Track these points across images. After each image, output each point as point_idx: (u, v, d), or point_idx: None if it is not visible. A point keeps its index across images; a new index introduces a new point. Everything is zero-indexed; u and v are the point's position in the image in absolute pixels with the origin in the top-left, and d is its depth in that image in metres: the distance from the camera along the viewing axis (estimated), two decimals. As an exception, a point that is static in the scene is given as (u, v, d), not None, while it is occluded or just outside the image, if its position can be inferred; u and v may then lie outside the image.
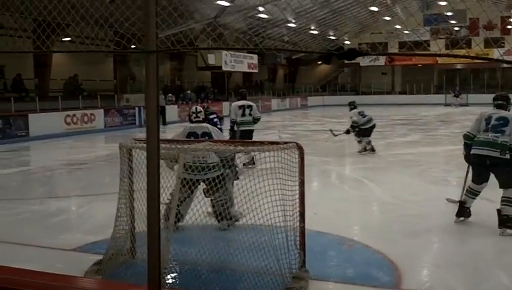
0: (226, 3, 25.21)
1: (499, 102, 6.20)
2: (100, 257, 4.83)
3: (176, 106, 25.91)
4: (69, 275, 2.42)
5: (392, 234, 6.04)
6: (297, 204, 4.53)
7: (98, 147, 17.07)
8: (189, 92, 29.39)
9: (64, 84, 24.34)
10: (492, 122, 6.00)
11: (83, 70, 25.16)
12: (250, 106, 10.98)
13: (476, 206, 6.23)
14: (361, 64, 44.28)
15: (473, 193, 6.16)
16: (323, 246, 5.48)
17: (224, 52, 29.83)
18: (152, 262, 1.68)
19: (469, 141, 6.14)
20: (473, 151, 6.08)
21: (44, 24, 3.18)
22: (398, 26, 40.73)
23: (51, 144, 16.42)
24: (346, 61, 41.46)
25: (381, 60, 43.48)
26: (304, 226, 4.58)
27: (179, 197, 4.57)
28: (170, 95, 26.25)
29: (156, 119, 1.74)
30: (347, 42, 42.04)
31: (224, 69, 31.40)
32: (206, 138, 6.04)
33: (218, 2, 24.99)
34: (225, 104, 31.17)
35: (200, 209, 4.52)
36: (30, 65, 23.26)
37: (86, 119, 20.60)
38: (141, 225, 4.73)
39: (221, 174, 5.44)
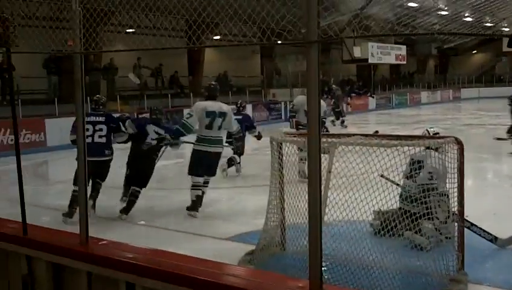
0: (373, -6, 24.58)
1: None
2: (252, 247, 4.98)
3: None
4: (226, 263, 2.50)
5: None
6: (456, 203, 4.27)
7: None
8: (334, 85, 29.22)
9: (215, 80, 25.61)
10: None
11: (232, 67, 26.24)
12: (223, 114, 7.09)
13: None
14: (522, 52, 40.45)
15: None
16: (483, 249, 5.10)
17: (370, 43, 29.11)
18: (314, 256, 1.67)
19: None
20: None
21: (197, 23, 3.36)
22: None
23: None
24: (504, 50, 38.39)
25: (547, 47, 39.32)
26: (463, 227, 4.30)
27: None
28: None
29: (317, 110, 1.72)
30: (506, 29, 38.73)
31: (370, 61, 30.66)
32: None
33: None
34: (371, 99, 30.50)
35: (350, 204, 4.43)
36: (185, 64, 24.85)
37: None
38: (291, 218, 4.79)
39: None
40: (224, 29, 19.74)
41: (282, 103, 23.97)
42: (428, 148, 4.77)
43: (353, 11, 25.66)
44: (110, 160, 7.07)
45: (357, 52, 29.56)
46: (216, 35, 23.57)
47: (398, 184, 5.05)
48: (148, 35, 4.27)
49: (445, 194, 4.82)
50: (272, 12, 3.37)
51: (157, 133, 7.06)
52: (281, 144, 5.00)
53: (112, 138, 7.04)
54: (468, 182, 4.51)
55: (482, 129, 18.49)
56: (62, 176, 10.17)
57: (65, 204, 6.92)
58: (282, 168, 4.99)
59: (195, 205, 6.77)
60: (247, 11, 3.77)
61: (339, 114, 19.83)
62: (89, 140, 6.46)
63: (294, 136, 5.09)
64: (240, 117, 9.60)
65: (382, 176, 4.62)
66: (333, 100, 19.86)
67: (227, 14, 3.60)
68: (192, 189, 6.87)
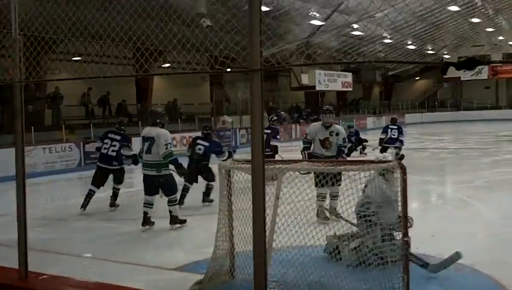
0: (319, 23, 25.23)
1: None
2: (201, 277, 4.90)
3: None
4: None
5: (504, 257, 5.63)
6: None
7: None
8: (282, 112, 29.54)
9: (164, 108, 25.41)
10: None
11: (182, 94, 26.14)
12: (149, 139, 7.43)
13: None
14: (462, 79, 42.26)
15: None
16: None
17: (318, 71, 29.73)
18: (258, 283, 1.66)
19: None
20: None
21: (140, 51, 3.38)
22: (501, 38, 38.70)
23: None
24: (445, 76, 40.03)
25: (484, 74, 41.34)
26: (407, 249, 4.38)
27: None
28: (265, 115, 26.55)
29: (261, 138, 1.74)
30: (446, 56, 40.49)
31: (317, 88, 31.29)
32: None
33: (312, 22, 25.08)
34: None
35: (298, 230, 4.46)
36: (133, 91, 24.60)
37: (185, 141, 21.32)
38: (240, 245, 4.76)
39: None
40: (168, 57, 19.75)
41: (232, 130, 24.04)
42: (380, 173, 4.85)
43: (299, 40, 26.25)
44: (119, 169, 9.06)
45: (304, 79, 30.14)
46: (163, 63, 23.53)
47: (352, 223, 5.10)
48: (92, 63, 4.23)
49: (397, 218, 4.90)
50: (215, 41, 3.41)
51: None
52: (229, 171, 5.00)
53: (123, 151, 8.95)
54: (411, 205, 4.62)
55: (425, 153, 19.07)
56: (4, 209, 9.76)
57: (8, 238, 6.64)
58: (231, 196, 4.97)
59: (143, 220, 7.49)
60: (191, 40, 3.81)
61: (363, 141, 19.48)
62: (104, 151, 8.95)
63: (243, 163, 5.09)
64: (268, 131, 11.10)
65: (337, 215, 4.68)
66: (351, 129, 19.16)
67: (170, 43, 3.63)
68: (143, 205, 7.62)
